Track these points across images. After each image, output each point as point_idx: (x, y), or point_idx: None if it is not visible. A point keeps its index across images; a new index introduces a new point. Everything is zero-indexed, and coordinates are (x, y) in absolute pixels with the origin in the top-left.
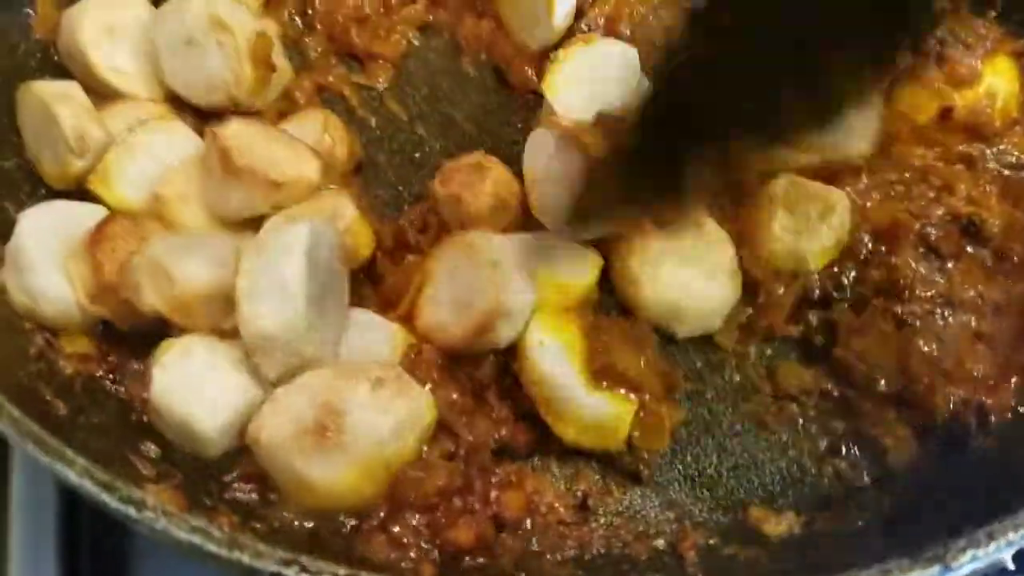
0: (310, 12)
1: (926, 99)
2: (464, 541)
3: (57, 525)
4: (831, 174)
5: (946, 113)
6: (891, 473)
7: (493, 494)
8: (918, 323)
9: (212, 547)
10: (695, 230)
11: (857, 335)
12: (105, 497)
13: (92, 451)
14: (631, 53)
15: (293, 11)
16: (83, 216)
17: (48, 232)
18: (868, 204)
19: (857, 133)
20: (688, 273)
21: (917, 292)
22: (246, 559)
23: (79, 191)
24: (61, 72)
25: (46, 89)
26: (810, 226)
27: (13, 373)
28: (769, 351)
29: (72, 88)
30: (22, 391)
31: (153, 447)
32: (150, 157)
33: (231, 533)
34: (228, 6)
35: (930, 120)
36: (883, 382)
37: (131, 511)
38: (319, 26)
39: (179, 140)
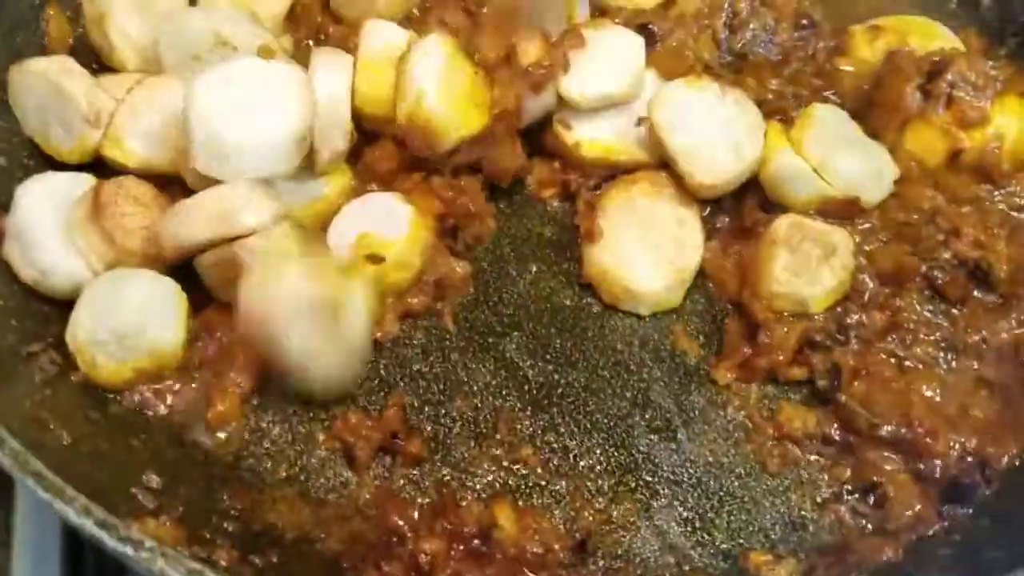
0: (323, 37)
1: (935, 141)
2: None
3: (63, 549)
4: (837, 213)
5: (955, 155)
6: (892, 521)
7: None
8: (921, 367)
9: None
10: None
11: (859, 379)
12: (104, 536)
13: (93, 483)
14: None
15: (307, 36)
16: (81, 185)
17: (49, 205)
18: (874, 245)
19: (864, 176)
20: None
21: (921, 336)
22: None
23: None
24: None
25: (49, 66)
26: (812, 268)
27: (17, 402)
28: (771, 392)
29: (69, 62)
30: (25, 420)
31: (155, 478)
32: (153, 111)
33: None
34: (229, 20)
35: (939, 162)
36: (885, 428)
37: (128, 550)
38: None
39: (176, 93)
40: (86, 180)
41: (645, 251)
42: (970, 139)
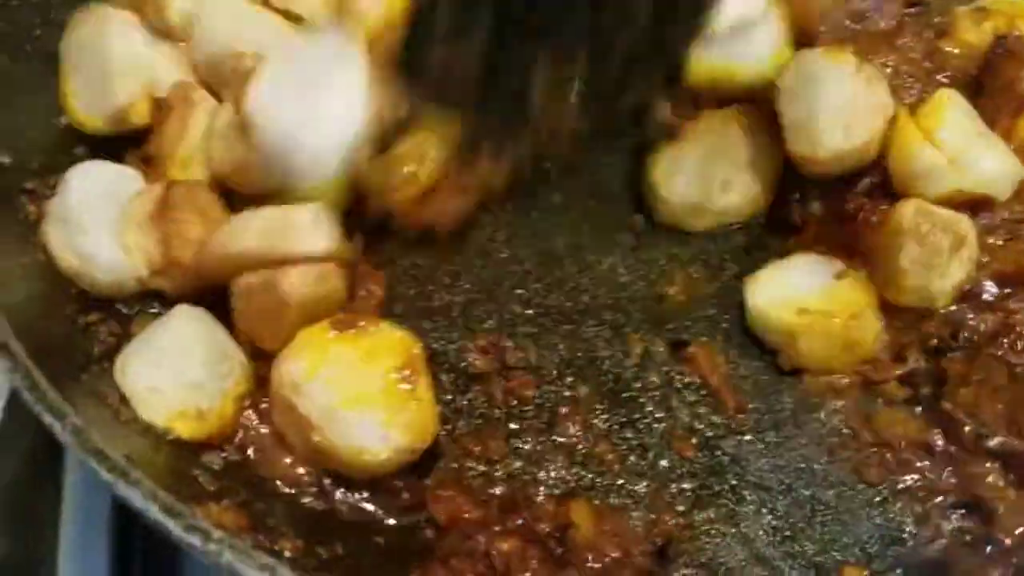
0: None
1: None
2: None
3: (110, 527)
4: (962, 207)
5: None
6: (1001, 540)
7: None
8: None
9: None
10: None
11: (966, 386)
12: (169, 523)
13: (154, 464)
14: None
15: None
16: (131, 181)
17: (100, 193)
18: (993, 242)
19: (995, 172)
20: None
21: None
22: None
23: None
24: None
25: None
26: (942, 260)
27: (75, 376)
28: (868, 396)
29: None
30: (85, 395)
31: (216, 459)
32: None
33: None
34: None
35: None
36: (993, 439)
37: (196, 540)
38: None
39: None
40: (134, 177)
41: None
42: None
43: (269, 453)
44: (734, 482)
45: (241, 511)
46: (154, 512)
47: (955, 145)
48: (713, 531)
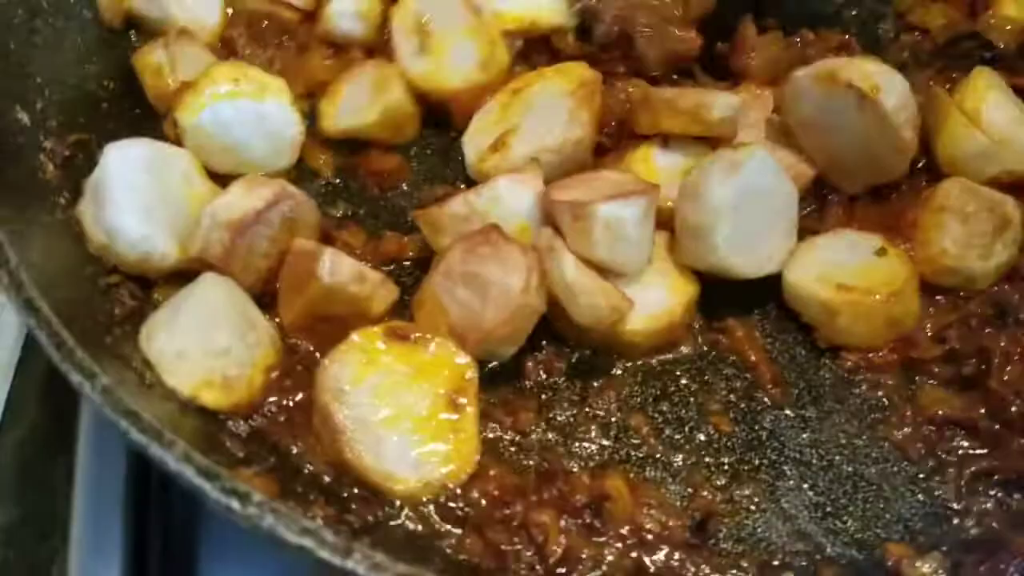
0: None
1: None
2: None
3: (124, 492)
4: (1006, 186)
5: None
6: None
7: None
8: None
9: (325, 553)
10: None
11: (1011, 364)
12: (206, 486)
13: (183, 430)
14: None
15: None
16: (175, 158)
17: (136, 168)
18: None
19: None
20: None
21: None
22: (361, 570)
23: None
24: None
25: None
26: (986, 241)
27: (102, 335)
28: (910, 371)
29: None
30: (113, 357)
31: (243, 425)
32: None
33: (346, 541)
34: None
35: None
36: None
37: (234, 503)
38: None
39: None
40: (177, 155)
41: None
42: None
43: (297, 440)
44: (773, 457)
45: (271, 477)
46: (190, 475)
47: (1001, 126)
48: (753, 506)
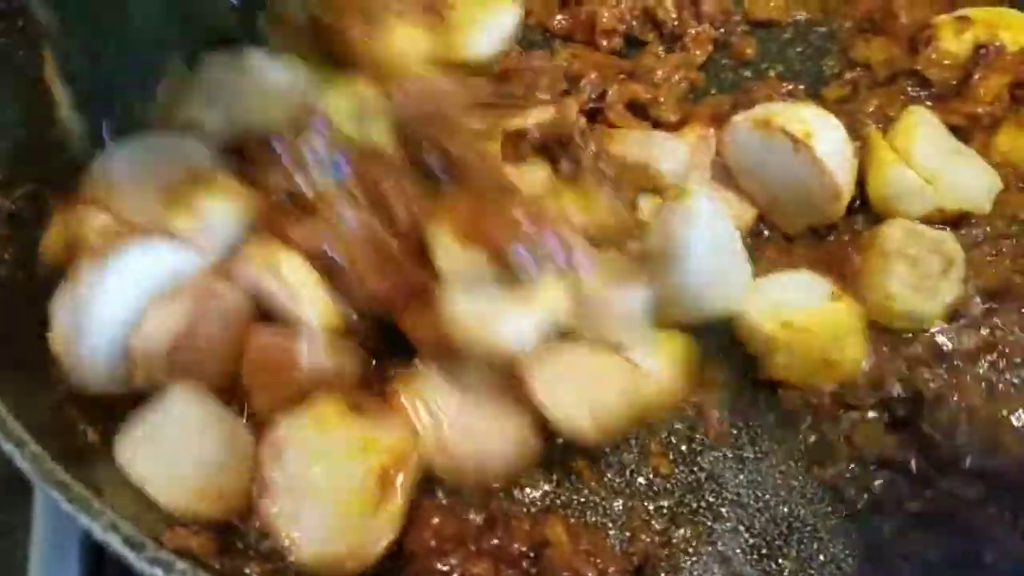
0: None
1: None
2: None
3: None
4: (942, 222)
5: None
6: (982, 555)
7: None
8: (1013, 391)
9: None
10: None
11: (942, 407)
12: (131, 556)
13: (122, 489)
14: None
15: None
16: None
17: (122, 290)
18: (978, 258)
19: (974, 187)
20: None
21: (1016, 359)
22: None
23: None
24: None
25: None
26: (931, 283)
27: (37, 398)
28: (846, 412)
29: None
30: (48, 418)
31: None
32: None
33: None
34: None
35: None
36: (968, 459)
37: (158, 572)
38: None
39: None
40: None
41: None
42: None
43: None
44: (711, 499)
45: (208, 535)
46: (116, 544)
47: (931, 164)
48: (690, 549)
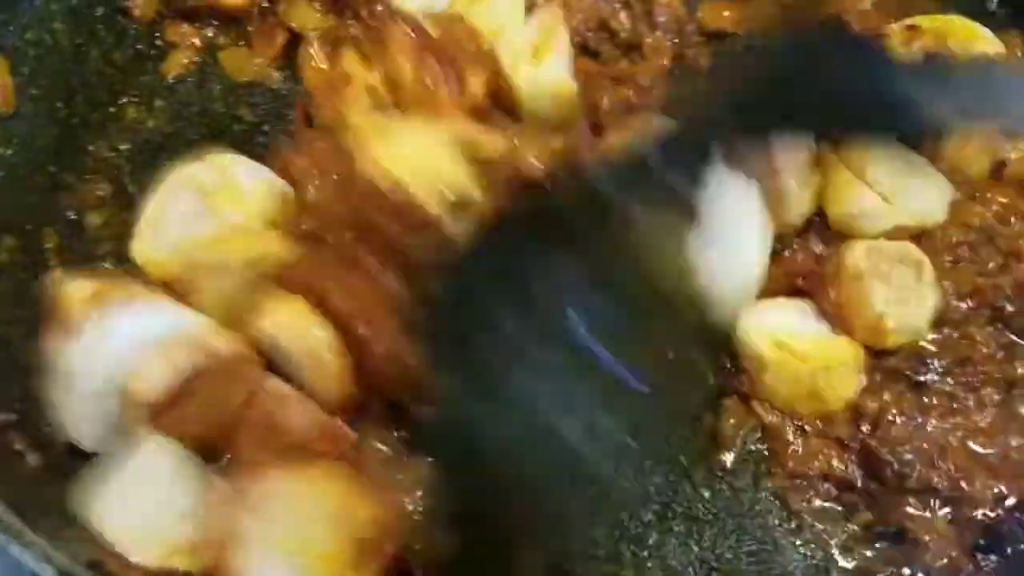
0: None
1: (978, 151)
2: None
3: None
4: (900, 237)
5: (999, 167)
6: (924, 568)
7: None
8: (970, 405)
9: None
10: None
11: (895, 423)
12: None
13: (66, 518)
14: None
15: None
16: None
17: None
18: (939, 265)
19: (930, 199)
20: None
21: (981, 370)
22: None
23: None
24: None
25: None
26: (912, 292)
27: None
28: (796, 424)
29: None
30: None
31: None
32: None
33: None
34: None
35: (982, 174)
36: (913, 477)
37: None
38: None
39: None
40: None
41: None
42: (1016, 150)
43: None
44: (661, 512)
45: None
46: (48, 574)
47: (887, 182)
48: (639, 563)
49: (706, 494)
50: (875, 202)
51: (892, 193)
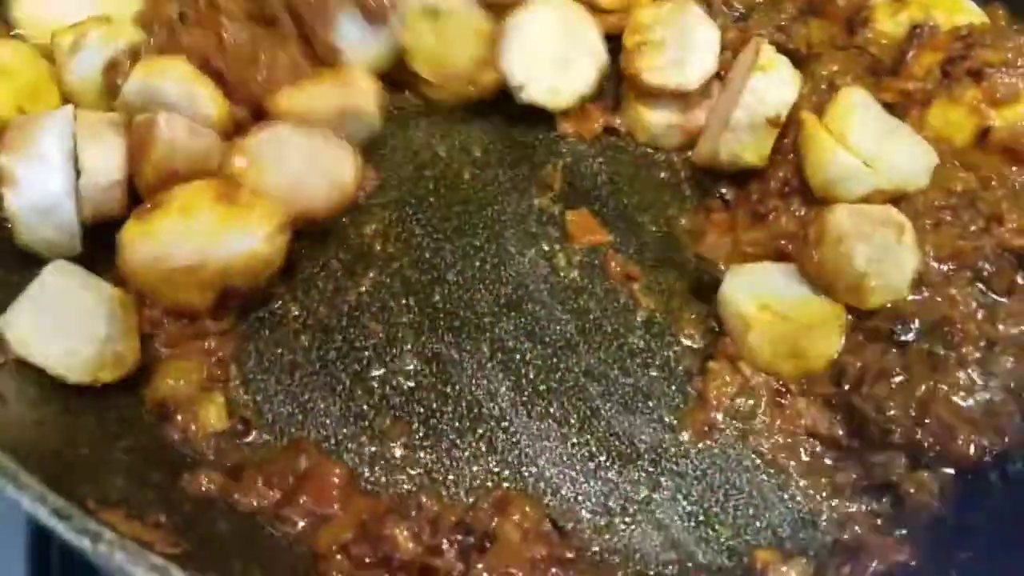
0: None
1: (962, 119)
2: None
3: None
4: (882, 201)
5: (984, 134)
6: (909, 521)
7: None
8: (952, 362)
9: None
10: None
11: (874, 381)
12: (59, 526)
13: (51, 464)
14: None
15: None
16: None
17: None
18: (920, 228)
19: (913, 165)
20: None
21: (962, 328)
22: None
23: None
24: None
25: None
26: (893, 253)
27: None
28: (781, 383)
29: None
30: None
31: (124, 458)
32: None
33: (192, 573)
34: None
35: (967, 141)
36: (897, 434)
37: (86, 543)
38: None
39: None
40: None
41: None
42: (1000, 117)
43: None
44: (650, 469)
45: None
46: (44, 516)
47: (868, 146)
48: (628, 518)
49: (693, 452)
50: (856, 166)
51: (873, 158)
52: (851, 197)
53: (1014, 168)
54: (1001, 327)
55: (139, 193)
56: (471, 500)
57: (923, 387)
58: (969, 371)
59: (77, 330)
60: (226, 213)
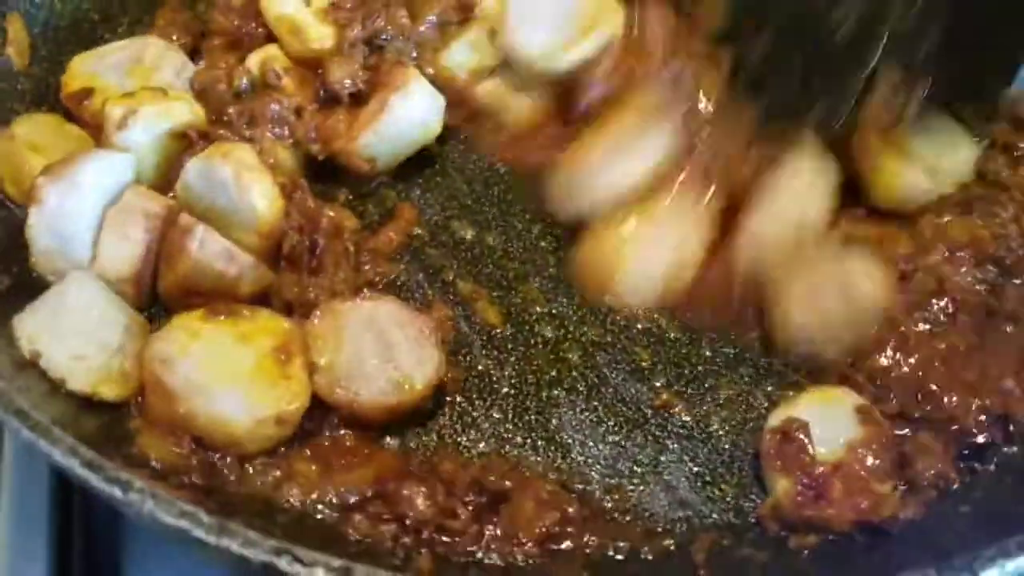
0: None
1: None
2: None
3: (50, 503)
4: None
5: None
6: (913, 480)
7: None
8: (950, 331)
9: (200, 533)
10: None
11: (879, 354)
12: (91, 477)
13: (80, 422)
14: None
15: None
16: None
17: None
18: (945, 221)
19: (963, 162)
20: None
21: (961, 300)
22: (235, 547)
23: None
24: None
25: None
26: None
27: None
28: None
29: None
30: (6, 352)
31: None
32: None
33: (220, 520)
34: None
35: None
36: (894, 401)
37: (116, 492)
38: None
39: None
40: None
41: None
42: None
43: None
44: (657, 433)
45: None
46: (76, 467)
47: (929, 154)
48: (637, 479)
49: (698, 419)
50: (921, 182)
51: (933, 167)
52: (915, 205)
53: None
54: (1004, 301)
55: (159, 295)
56: (484, 463)
57: (921, 355)
58: (966, 338)
59: (90, 336)
60: (269, 370)
